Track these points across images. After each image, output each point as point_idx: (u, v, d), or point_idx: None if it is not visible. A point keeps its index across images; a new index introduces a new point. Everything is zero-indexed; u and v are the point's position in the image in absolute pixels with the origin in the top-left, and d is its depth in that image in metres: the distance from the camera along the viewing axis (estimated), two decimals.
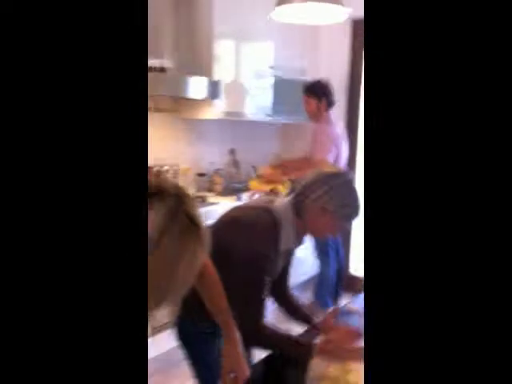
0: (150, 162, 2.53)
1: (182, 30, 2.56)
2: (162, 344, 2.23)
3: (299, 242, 1.28)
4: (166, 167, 2.59)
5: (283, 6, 1.59)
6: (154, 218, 0.62)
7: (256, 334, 1.16)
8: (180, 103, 2.72)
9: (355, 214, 1.17)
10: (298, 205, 1.20)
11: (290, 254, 1.32)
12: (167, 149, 2.69)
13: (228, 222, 1.26)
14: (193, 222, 0.65)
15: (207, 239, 0.68)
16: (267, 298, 1.22)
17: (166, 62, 2.31)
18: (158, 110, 2.64)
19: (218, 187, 2.88)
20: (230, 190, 2.87)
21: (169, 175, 2.62)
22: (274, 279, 1.27)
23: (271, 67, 2.94)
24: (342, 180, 1.17)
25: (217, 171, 2.94)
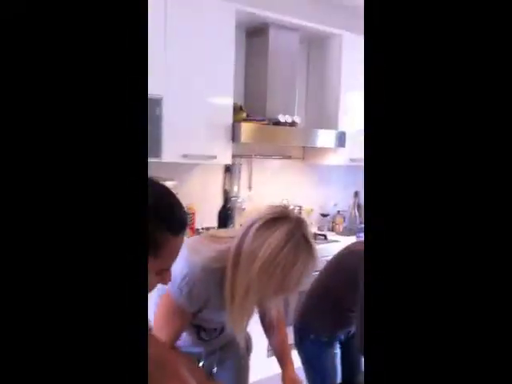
0: (279, 201, 2.90)
1: (311, 86, 2.92)
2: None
3: None
4: (291, 207, 2.92)
5: None
6: (278, 234, 0.93)
7: None
8: (309, 151, 3.07)
9: None
10: None
11: None
12: (295, 191, 3.03)
13: (349, 253, 1.50)
14: (306, 241, 0.96)
15: (316, 254, 0.98)
16: None
17: (297, 118, 2.67)
18: (289, 157, 3.03)
19: (339, 227, 3.11)
20: (350, 230, 3.08)
21: None
22: None
23: None
24: None
25: (339, 212, 3.19)
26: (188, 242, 1.04)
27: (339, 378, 1.59)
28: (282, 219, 0.97)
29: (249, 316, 1.06)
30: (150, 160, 2.29)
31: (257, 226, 0.96)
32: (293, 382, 1.23)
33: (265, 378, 2.32)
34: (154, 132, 2.25)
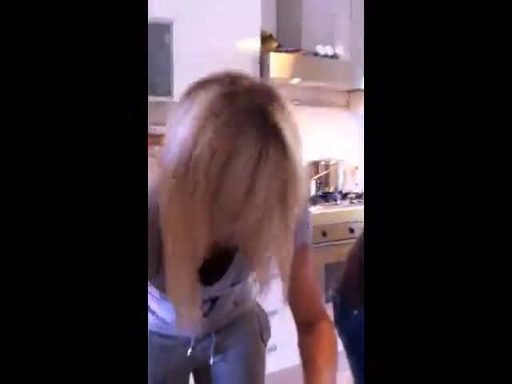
0: (316, 157, 2.43)
1: (356, 11, 2.40)
2: None
3: None
4: (332, 162, 2.45)
5: None
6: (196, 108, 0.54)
7: None
8: (354, 96, 2.56)
9: None
10: None
11: None
12: (336, 146, 2.55)
13: None
14: (250, 110, 0.53)
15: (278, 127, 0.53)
16: None
17: (340, 48, 2.17)
18: (329, 103, 2.54)
19: None
20: None
21: (336, 171, 2.47)
22: None
23: None
24: None
25: None
26: None
27: None
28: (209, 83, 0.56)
29: (193, 268, 0.59)
30: (159, 99, 1.91)
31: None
32: None
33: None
34: (162, 65, 1.85)
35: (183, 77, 1.85)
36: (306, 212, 0.72)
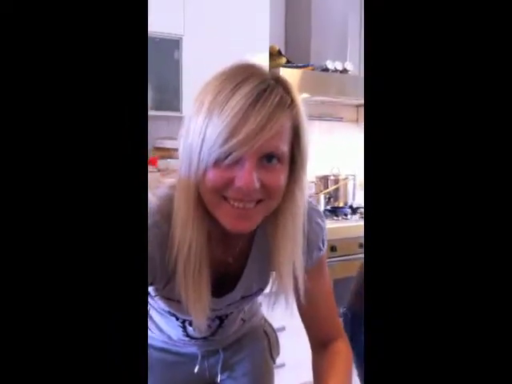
0: (328, 171, 2.42)
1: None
2: None
3: None
4: (343, 176, 2.43)
5: None
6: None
7: None
8: (362, 110, 2.55)
9: None
10: None
11: None
12: (345, 160, 2.53)
13: None
14: None
15: None
16: None
17: (349, 64, 2.17)
18: (340, 118, 2.53)
19: None
20: None
21: (346, 185, 2.45)
22: None
23: None
24: None
25: None
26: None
27: None
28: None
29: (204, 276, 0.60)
30: (168, 114, 1.92)
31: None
32: None
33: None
34: (171, 80, 1.86)
35: (192, 92, 1.86)
36: (321, 228, 0.71)
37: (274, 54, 2.06)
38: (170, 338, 0.80)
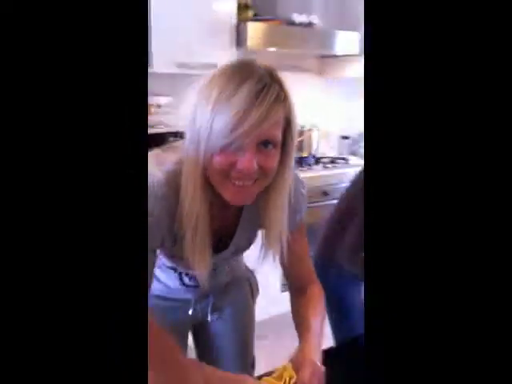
0: None
1: None
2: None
3: None
4: (306, 127, 2.54)
5: None
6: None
7: None
8: (328, 62, 2.63)
9: None
10: None
11: None
12: (310, 110, 2.63)
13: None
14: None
15: None
16: None
17: (315, 18, 2.22)
18: (303, 69, 2.60)
19: (363, 150, 2.74)
20: None
21: (311, 136, 2.57)
22: None
23: None
24: None
25: (362, 134, 2.80)
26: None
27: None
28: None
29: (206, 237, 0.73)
30: None
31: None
32: (310, 369, 0.73)
33: (276, 314, 2.07)
34: None
35: (162, 47, 1.87)
36: (304, 198, 0.85)
37: (242, 7, 2.08)
38: (167, 286, 0.93)
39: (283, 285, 2.23)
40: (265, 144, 0.66)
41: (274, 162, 0.68)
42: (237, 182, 0.67)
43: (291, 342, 0.84)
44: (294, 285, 0.91)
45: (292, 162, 0.73)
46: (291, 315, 0.89)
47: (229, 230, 0.81)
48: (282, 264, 0.86)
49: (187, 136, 0.68)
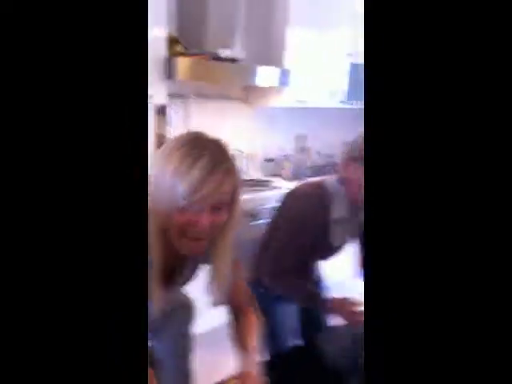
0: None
1: (254, 19, 2.64)
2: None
3: (353, 209, 1.35)
4: (231, 151, 2.69)
5: None
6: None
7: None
8: (252, 92, 2.83)
9: None
10: (335, 171, 1.37)
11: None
12: (236, 135, 2.80)
13: (290, 196, 1.43)
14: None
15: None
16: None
17: (238, 53, 2.40)
18: (230, 98, 2.78)
19: (286, 172, 2.96)
20: (298, 176, 2.94)
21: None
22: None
23: (349, 54, 2.92)
24: None
25: (286, 157, 3.02)
26: None
27: (298, 336, 1.48)
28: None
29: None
30: None
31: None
32: (254, 380, 0.89)
33: (206, 330, 2.18)
34: None
35: None
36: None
37: (172, 42, 2.20)
38: None
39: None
40: (218, 206, 0.81)
41: (223, 218, 0.83)
42: (192, 237, 0.81)
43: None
44: (233, 308, 1.07)
45: (238, 214, 0.88)
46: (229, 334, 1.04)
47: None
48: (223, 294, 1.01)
49: (152, 194, 0.80)
